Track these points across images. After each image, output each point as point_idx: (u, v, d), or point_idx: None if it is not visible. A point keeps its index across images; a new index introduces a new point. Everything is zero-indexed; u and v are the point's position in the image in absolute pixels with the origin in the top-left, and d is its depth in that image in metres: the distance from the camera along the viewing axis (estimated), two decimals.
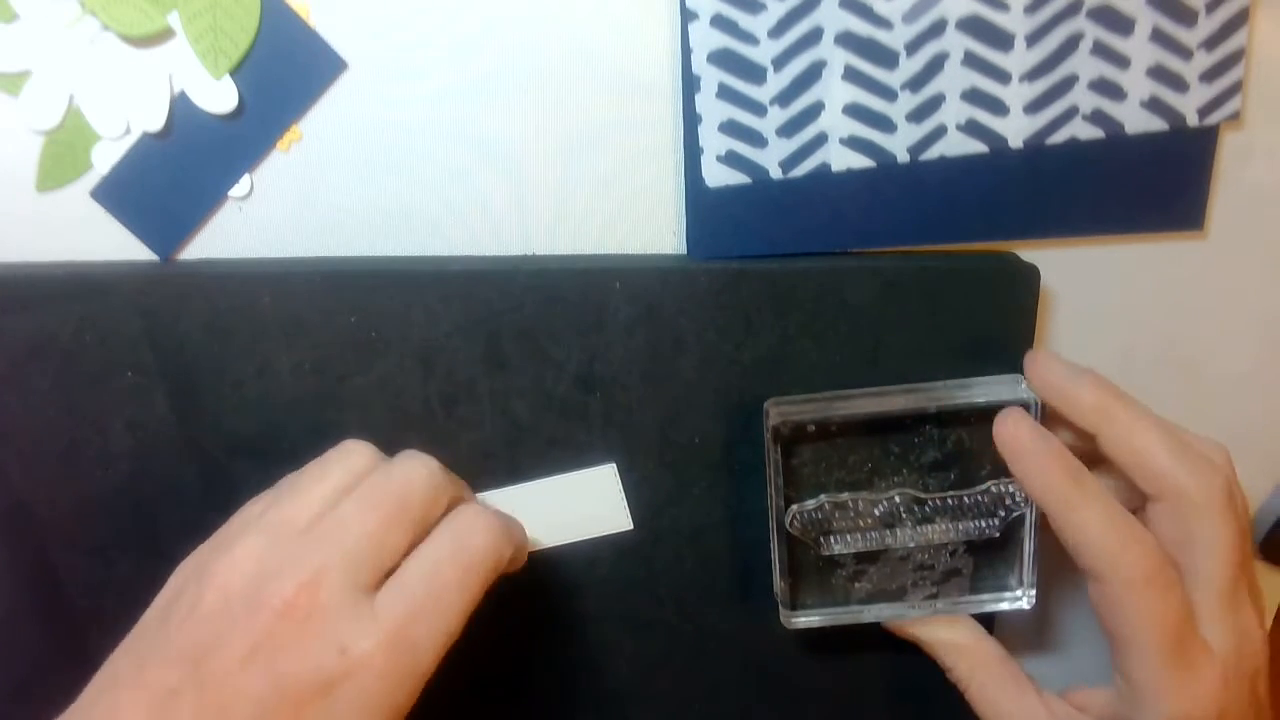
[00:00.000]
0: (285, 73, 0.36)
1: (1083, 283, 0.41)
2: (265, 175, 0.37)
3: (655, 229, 0.39)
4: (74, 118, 0.36)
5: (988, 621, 0.43)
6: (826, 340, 0.38)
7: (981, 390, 0.38)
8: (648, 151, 0.38)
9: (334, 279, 0.37)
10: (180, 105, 0.36)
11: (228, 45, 0.35)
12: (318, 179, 0.38)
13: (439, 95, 0.37)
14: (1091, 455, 0.36)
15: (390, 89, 0.37)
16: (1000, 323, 0.38)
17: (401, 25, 0.36)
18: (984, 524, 0.38)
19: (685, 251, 0.39)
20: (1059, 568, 0.41)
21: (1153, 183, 0.39)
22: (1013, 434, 0.36)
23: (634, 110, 0.37)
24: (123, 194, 0.37)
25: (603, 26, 0.36)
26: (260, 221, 0.38)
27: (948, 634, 0.40)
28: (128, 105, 0.35)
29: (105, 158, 0.36)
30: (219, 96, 0.35)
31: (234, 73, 0.35)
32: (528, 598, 0.41)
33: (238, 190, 0.37)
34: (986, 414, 0.37)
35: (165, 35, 0.35)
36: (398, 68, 0.36)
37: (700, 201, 0.38)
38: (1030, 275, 0.38)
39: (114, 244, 0.37)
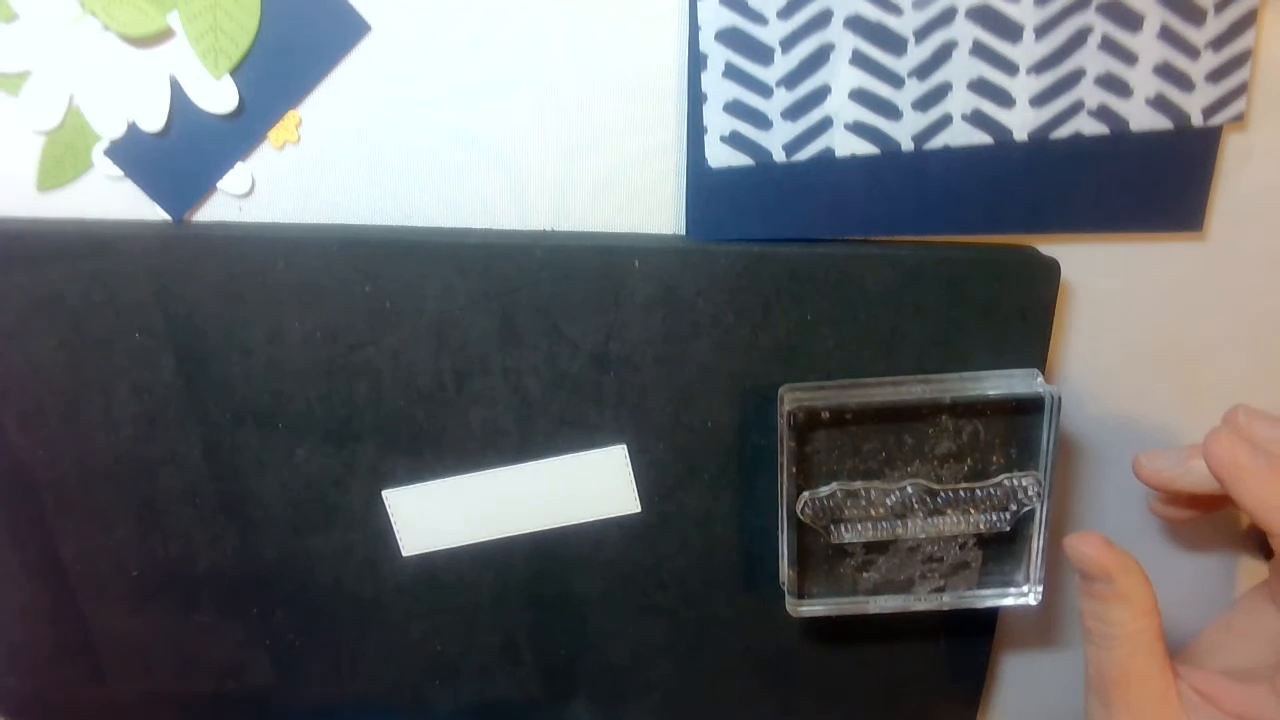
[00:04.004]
0: (307, 34, 0.35)
1: (1093, 279, 0.41)
2: (265, 174, 0.37)
3: (657, 230, 0.39)
4: (74, 118, 0.35)
5: (992, 616, 0.43)
6: (844, 327, 0.38)
7: (997, 383, 0.38)
8: (650, 151, 0.38)
9: (350, 247, 0.36)
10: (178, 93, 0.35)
11: (228, 45, 0.34)
12: (317, 178, 0.37)
13: (440, 94, 0.36)
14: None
15: (390, 88, 0.36)
16: (1019, 316, 0.38)
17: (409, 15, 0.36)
18: (995, 517, 0.38)
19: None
20: (1067, 565, 0.41)
21: (1154, 182, 0.39)
22: (1229, 456, 0.36)
23: (636, 110, 0.37)
24: (137, 152, 0.36)
25: (605, 24, 0.36)
26: (259, 220, 0.38)
27: (1136, 587, 0.37)
28: (128, 105, 0.35)
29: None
30: (219, 96, 0.35)
31: (235, 70, 0.35)
32: (531, 578, 0.41)
33: (238, 188, 0.37)
34: (1002, 407, 0.37)
35: (165, 35, 0.35)
36: (399, 63, 0.36)
37: (701, 182, 0.38)
38: (1051, 270, 0.38)
39: (127, 204, 0.37)
